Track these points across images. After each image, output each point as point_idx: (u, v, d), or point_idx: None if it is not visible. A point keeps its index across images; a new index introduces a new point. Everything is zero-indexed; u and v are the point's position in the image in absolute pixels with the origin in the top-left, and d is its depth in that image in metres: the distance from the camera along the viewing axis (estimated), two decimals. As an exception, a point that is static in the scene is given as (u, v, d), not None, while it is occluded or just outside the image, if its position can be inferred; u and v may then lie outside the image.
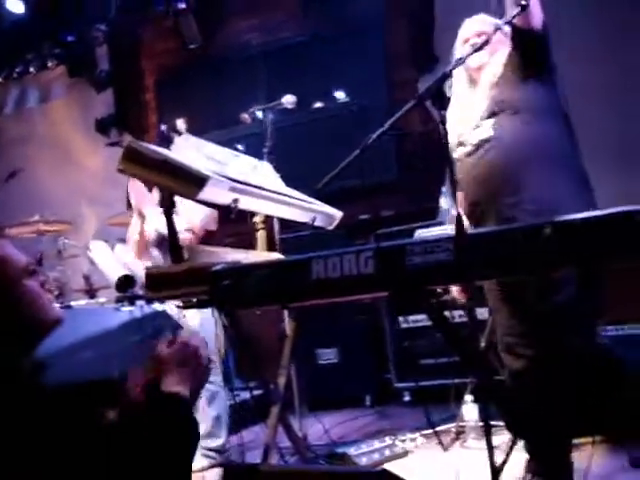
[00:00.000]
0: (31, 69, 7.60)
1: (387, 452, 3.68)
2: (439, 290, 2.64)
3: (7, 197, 5.45)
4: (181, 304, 2.95)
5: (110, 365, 2.48)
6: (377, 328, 5.27)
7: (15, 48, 7.38)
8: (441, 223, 3.98)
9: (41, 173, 7.03)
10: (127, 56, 7.24)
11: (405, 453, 3.74)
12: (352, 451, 3.61)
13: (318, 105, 5.99)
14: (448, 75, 2.18)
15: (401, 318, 5.02)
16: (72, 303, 4.40)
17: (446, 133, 2.16)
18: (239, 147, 5.09)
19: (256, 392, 3.48)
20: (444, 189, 4.05)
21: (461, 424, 3.82)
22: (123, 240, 4.87)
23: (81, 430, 1.30)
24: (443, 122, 2.11)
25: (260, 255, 3.51)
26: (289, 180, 3.63)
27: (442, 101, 2.14)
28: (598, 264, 2.00)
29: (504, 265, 2.01)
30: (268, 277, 2.37)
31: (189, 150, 2.94)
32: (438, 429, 3.75)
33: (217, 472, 3.54)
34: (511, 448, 2.33)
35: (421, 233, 3.50)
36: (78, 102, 7.44)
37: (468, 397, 3.82)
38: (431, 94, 2.15)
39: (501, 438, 3.14)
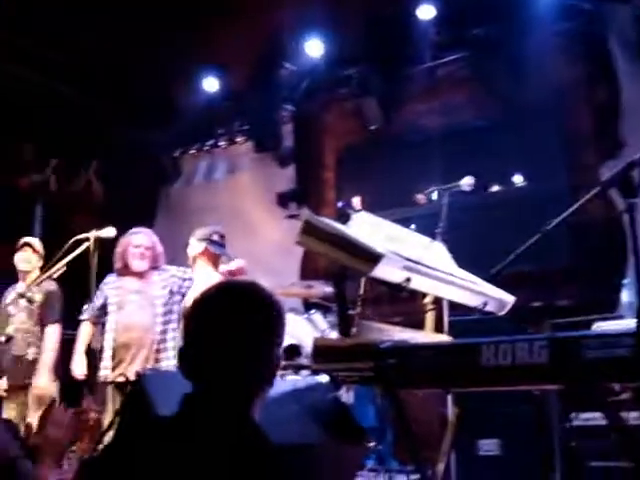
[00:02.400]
0: (220, 143, 8.15)
1: None
2: (617, 388, 2.47)
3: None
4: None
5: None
6: (543, 422, 5.00)
7: (208, 123, 7.93)
8: (621, 317, 3.77)
9: (222, 241, 7.36)
10: (310, 135, 7.54)
11: None
12: None
13: (495, 189, 5.92)
14: (638, 163, 2.07)
15: (572, 414, 4.72)
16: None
17: (633, 222, 2.05)
18: (412, 227, 5.12)
19: (413, 476, 3.40)
20: (626, 281, 3.85)
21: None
22: (293, 309, 4.98)
23: None
24: (630, 211, 2.00)
25: (428, 336, 3.46)
26: (461, 262, 3.58)
27: (629, 189, 2.04)
28: None
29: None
30: (435, 359, 2.33)
31: (365, 227, 2.98)
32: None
33: None
34: None
35: (599, 326, 3.33)
36: (261, 176, 7.79)
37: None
38: (617, 181, 2.06)
39: None
